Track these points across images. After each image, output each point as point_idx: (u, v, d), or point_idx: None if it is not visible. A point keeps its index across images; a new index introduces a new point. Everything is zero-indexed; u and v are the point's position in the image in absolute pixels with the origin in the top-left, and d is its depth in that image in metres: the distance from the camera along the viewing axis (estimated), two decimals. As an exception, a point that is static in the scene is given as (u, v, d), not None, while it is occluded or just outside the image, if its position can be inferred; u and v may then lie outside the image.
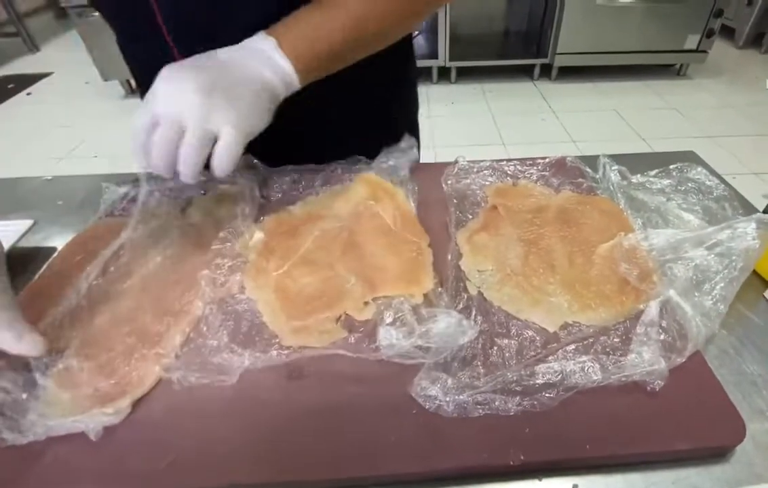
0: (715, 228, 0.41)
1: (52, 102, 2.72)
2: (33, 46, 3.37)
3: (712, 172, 0.55)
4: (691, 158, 0.61)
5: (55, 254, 0.48)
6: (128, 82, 2.68)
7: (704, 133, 2.28)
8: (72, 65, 2.99)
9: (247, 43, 0.44)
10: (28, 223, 0.52)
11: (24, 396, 0.34)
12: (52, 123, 2.47)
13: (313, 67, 0.45)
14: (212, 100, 0.39)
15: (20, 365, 0.36)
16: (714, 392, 0.34)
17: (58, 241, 0.51)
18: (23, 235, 0.52)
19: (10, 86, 2.87)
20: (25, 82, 2.92)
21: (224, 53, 0.43)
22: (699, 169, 0.54)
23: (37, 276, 0.45)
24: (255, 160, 0.55)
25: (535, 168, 0.57)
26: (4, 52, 3.30)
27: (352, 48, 0.48)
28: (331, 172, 0.57)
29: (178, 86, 0.39)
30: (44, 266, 0.46)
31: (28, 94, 2.81)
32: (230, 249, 0.46)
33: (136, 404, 0.35)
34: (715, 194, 0.51)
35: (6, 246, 0.47)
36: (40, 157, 2.18)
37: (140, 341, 0.38)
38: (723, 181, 0.53)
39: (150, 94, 0.39)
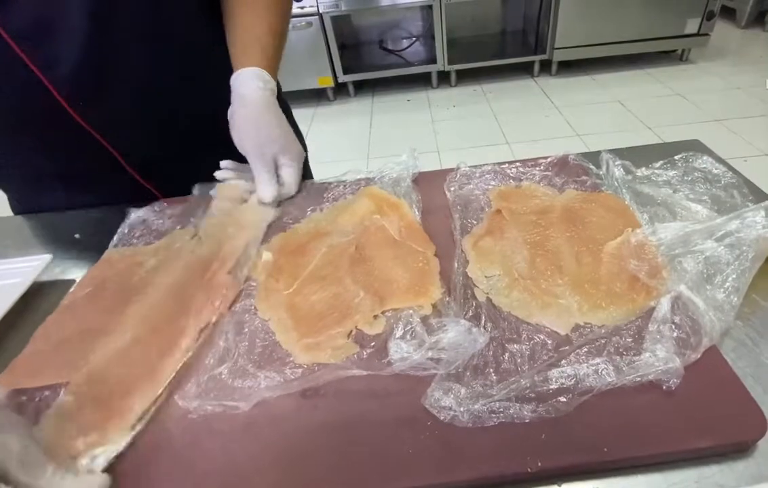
0: (724, 218, 0.41)
1: None
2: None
3: (719, 160, 0.54)
4: (696, 147, 0.61)
5: (73, 287, 0.49)
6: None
7: (711, 117, 2.25)
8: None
9: (250, 81, 0.56)
10: (47, 257, 0.53)
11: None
12: None
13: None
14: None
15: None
16: (732, 386, 0.34)
17: (76, 274, 0.52)
18: (43, 270, 0.53)
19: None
20: None
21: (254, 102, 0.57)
22: (705, 157, 0.54)
23: (57, 310, 0.46)
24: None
25: (537, 168, 0.57)
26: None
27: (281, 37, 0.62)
28: (334, 187, 0.57)
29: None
30: (64, 299, 0.48)
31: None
32: (229, 272, 0.47)
33: (155, 430, 0.36)
34: (722, 182, 0.51)
35: (26, 283, 0.49)
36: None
37: (134, 376, 0.38)
38: (730, 167, 0.53)
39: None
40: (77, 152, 0.59)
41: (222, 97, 0.58)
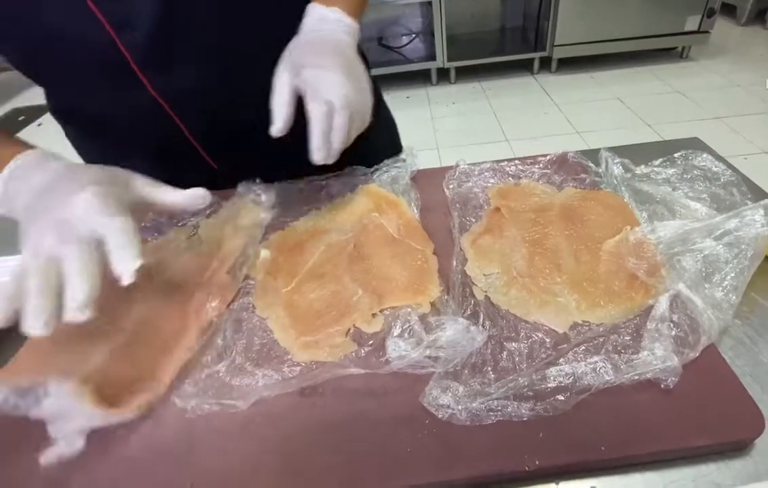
0: (723, 217, 0.41)
1: (62, 133, 2.78)
2: (41, 78, 3.45)
3: (718, 158, 0.54)
4: (695, 145, 0.61)
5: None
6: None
7: (711, 114, 2.24)
8: (79, 94, 3.05)
9: (321, 17, 0.49)
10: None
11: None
12: (63, 153, 2.52)
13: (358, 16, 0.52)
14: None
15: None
16: (730, 384, 0.34)
17: (72, 272, 0.52)
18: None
19: (20, 118, 2.94)
20: (35, 113, 2.99)
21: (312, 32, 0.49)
22: (704, 155, 0.54)
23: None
24: (257, 180, 0.56)
25: (536, 166, 0.57)
26: (14, 84, 3.38)
27: None
28: (333, 185, 0.57)
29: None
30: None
31: (39, 124, 2.88)
32: (228, 272, 0.46)
33: (153, 429, 0.36)
34: (722, 180, 0.51)
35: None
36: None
37: (134, 375, 0.38)
38: (729, 165, 0.52)
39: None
40: (150, 126, 0.56)
41: None
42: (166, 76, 0.51)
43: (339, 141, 0.44)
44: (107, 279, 0.48)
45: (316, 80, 0.44)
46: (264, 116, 0.46)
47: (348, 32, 0.50)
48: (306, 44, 0.48)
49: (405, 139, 0.79)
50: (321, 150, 0.44)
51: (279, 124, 0.44)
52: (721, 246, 0.40)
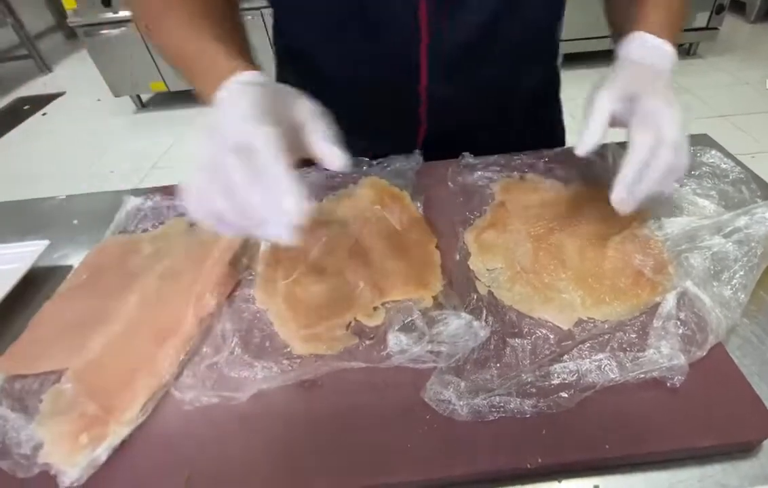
0: (732, 214, 0.40)
1: (66, 121, 2.78)
2: (45, 67, 3.45)
3: (727, 155, 0.53)
4: (704, 141, 0.60)
5: (71, 273, 0.49)
6: (138, 97, 2.72)
7: (718, 112, 2.22)
8: (84, 84, 3.04)
9: (649, 45, 0.45)
10: (45, 243, 0.53)
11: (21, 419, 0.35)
12: (67, 142, 2.53)
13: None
14: None
15: (16, 392, 0.37)
16: (737, 384, 0.33)
17: (74, 260, 0.52)
18: (40, 255, 0.53)
19: (25, 108, 2.94)
20: (39, 102, 2.99)
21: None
22: (713, 151, 0.53)
23: (55, 295, 0.46)
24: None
25: (542, 161, 0.56)
26: (18, 74, 3.39)
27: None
28: (336, 176, 0.57)
29: None
30: (61, 286, 0.47)
31: (44, 114, 2.88)
32: (229, 263, 0.46)
33: (150, 420, 0.35)
34: (731, 177, 0.50)
35: (24, 268, 0.49)
36: (59, 175, 2.23)
37: (131, 365, 0.38)
38: (739, 162, 0.51)
39: None
40: (399, 91, 0.55)
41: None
42: (447, 23, 0.50)
43: (653, 181, 0.38)
44: (107, 267, 0.48)
45: (655, 112, 0.40)
46: (501, 102, 0.50)
47: (671, 62, 0.46)
48: (636, 72, 0.44)
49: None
50: (625, 187, 0.38)
51: (589, 146, 0.40)
52: (730, 243, 0.39)
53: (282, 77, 0.63)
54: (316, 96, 0.40)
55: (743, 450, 0.31)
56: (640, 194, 0.38)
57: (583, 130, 0.41)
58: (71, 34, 3.73)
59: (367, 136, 0.54)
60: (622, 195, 0.38)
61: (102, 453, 0.33)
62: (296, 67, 0.59)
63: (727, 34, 2.74)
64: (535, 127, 0.68)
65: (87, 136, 2.56)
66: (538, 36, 0.58)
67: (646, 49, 0.45)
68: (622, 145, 0.55)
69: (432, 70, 0.53)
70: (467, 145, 0.58)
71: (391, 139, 0.58)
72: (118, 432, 0.34)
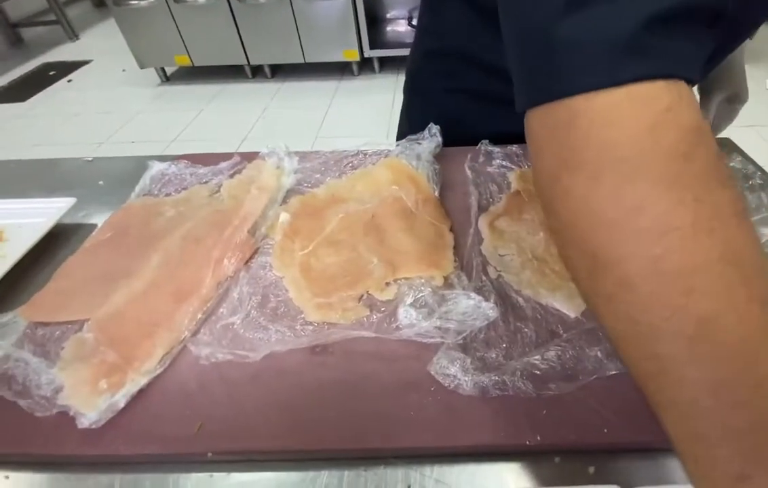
0: (755, 220, 0.40)
1: (91, 88, 2.83)
2: (73, 34, 3.50)
3: (749, 160, 0.52)
4: (727, 146, 0.59)
5: (95, 231, 0.51)
6: (163, 70, 2.76)
7: (743, 122, 2.14)
8: (110, 53, 3.09)
9: None
10: (71, 200, 0.55)
11: (42, 363, 0.36)
12: (91, 109, 2.58)
13: None
14: None
15: (38, 339, 0.39)
16: (741, 383, 0.33)
17: (98, 219, 0.54)
18: (66, 213, 0.55)
19: (51, 73, 3.00)
20: (65, 69, 3.05)
21: None
22: (735, 156, 0.52)
23: (79, 250, 0.48)
24: (283, 144, 0.57)
25: (561, 154, 0.56)
26: (46, 39, 3.45)
27: None
28: (354, 156, 0.58)
29: None
30: (86, 241, 0.49)
31: (69, 80, 2.94)
32: (248, 231, 0.47)
33: (167, 372, 0.37)
34: (751, 182, 0.50)
35: (50, 223, 0.51)
36: (81, 142, 2.28)
37: (151, 319, 0.40)
38: (760, 168, 0.51)
39: None
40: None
41: None
42: None
43: None
44: (131, 227, 0.50)
45: None
46: None
47: None
48: None
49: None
50: None
51: None
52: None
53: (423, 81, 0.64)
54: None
55: (741, 446, 0.31)
56: None
57: None
58: (100, 2, 3.78)
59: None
60: None
61: (120, 399, 0.35)
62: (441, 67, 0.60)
63: (755, 41, 2.64)
64: None
65: (111, 105, 2.60)
66: None
67: None
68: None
69: None
70: None
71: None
72: (136, 381, 0.36)
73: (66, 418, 0.34)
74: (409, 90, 0.69)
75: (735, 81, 0.62)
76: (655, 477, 0.31)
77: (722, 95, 0.61)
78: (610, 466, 0.31)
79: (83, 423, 0.33)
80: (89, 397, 0.35)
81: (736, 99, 0.58)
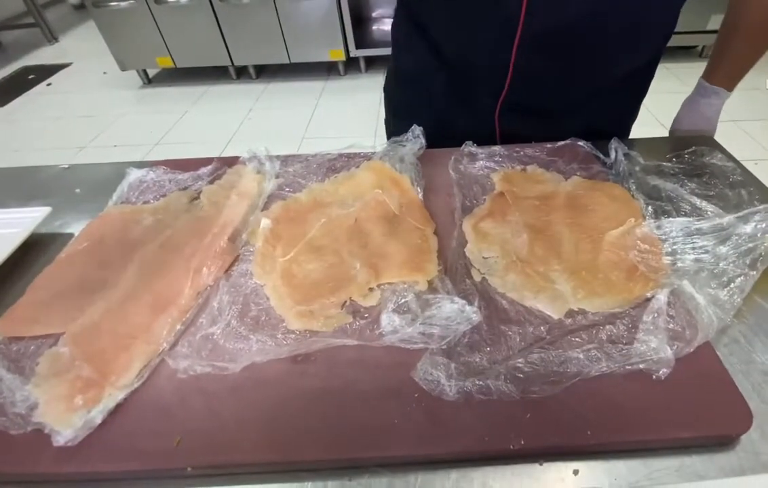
0: (730, 217, 0.40)
1: (71, 92, 2.77)
2: (52, 37, 3.43)
3: (729, 157, 0.53)
4: (708, 143, 0.60)
5: (71, 240, 0.49)
6: (145, 72, 2.71)
7: (728, 117, 2.18)
8: (90, 56, 3.03)
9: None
10: (46, 210, 0.54)
11: (17, 380, 0.35)
12: (72, 113, 2.52)
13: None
14: None
15: (12, 354, 0.38)
16: (721, 380, 0.34)
17: (75, 228, 0.52)
18: (41, 223, 0.53)
19: (30, 77, 2.93)
20: (45, 72, 2.98)
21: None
22: (715, 153, 0.53)
23: (54, 261, 0.47)
24: (264, 147, 0.56)
25: (544, 153, 0.57)
26: (24, 42, 3.37)
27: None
28: (337, 159, 0.57)
29: None
30: (61, 252, 0.48)
31: (48, 84, 2.87)
32: (229, 238, 0.46)
33: (145, 386, 0.36)
34: (731, 179, 0.50)
35: (25, 233, 0.49)
36: (63, 146, 2.23)
37: (128, 332, 0.39)
38: (740, 165, 0.52)
39: None
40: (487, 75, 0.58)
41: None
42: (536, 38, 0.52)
43: None
44: (108, 236, 0.48)
45: None
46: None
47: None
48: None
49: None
50: None
51: None
52: (728, 245, 0.39)
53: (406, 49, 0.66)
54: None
55: (722, 443, 0.32)
56: None
57: None
58: (79, 4, 3.70)
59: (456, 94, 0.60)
60: None
61: (97, 415, 0.34)
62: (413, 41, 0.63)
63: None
64: (610, 113, 0.67)
65: (92, 108, 2.55)
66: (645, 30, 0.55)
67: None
68: (627, 142, 0.56)
69: (521, 46, 0.53)
70: (539, 117, 0.60)
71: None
72: (113, 396, 0.35)
73: (41, 436, 0.33)
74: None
75: None
76: (639, 478, 0.31)
77: None
78: (594, 467, 0.32)
79: (59, 440, 0.32)
80: (65, 414, 0.34)
81: None
